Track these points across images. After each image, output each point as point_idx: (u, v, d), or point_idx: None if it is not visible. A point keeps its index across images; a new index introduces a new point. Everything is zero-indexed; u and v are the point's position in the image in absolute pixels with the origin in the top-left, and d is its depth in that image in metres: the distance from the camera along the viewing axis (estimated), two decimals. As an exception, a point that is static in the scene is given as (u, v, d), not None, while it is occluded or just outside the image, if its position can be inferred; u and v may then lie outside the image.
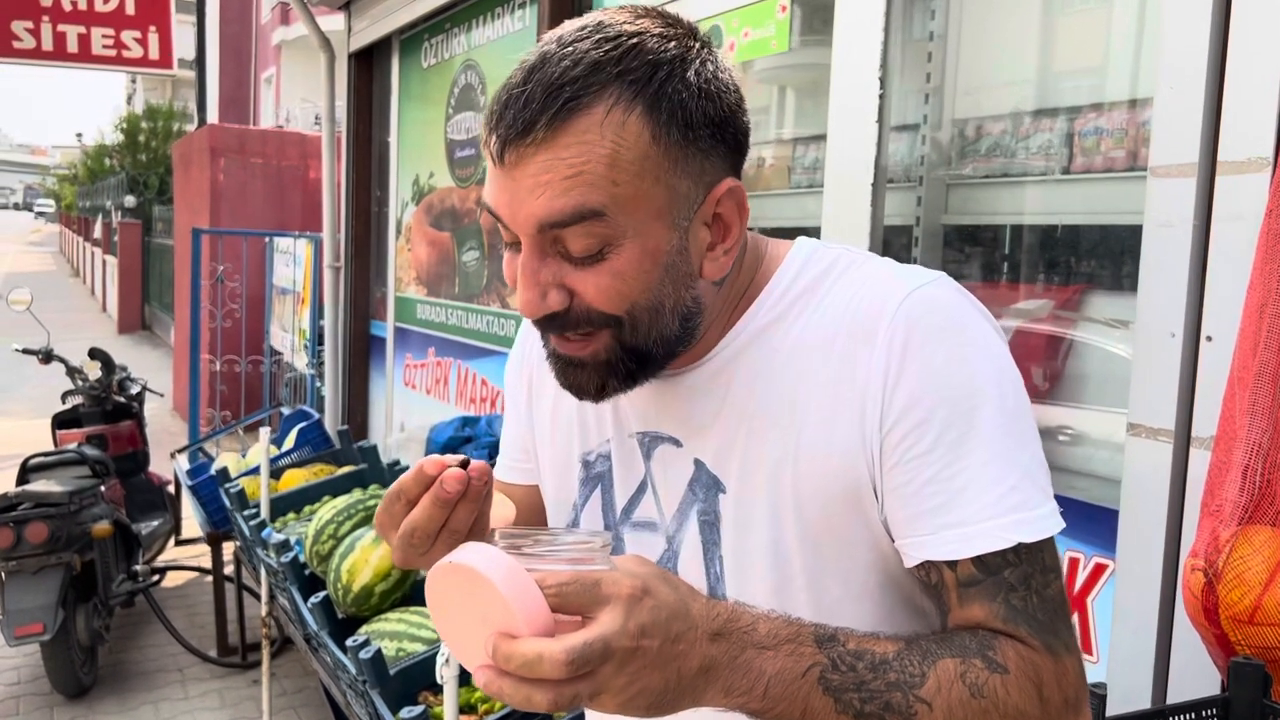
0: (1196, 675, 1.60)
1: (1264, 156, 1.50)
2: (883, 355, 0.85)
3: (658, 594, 0.71)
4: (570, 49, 0.82)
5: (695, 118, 0.84)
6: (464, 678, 1.95)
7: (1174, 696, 1.64)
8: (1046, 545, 0.84)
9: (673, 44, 0.84)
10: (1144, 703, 1.67)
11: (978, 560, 0.82)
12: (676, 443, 0.97)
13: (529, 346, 1.12)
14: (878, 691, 0.76)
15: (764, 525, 0.90)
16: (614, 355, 0.88)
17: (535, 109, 0.80)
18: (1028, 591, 0.82)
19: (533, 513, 1.14)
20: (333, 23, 5.96)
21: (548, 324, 0.88)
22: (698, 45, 0.86)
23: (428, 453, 4.14)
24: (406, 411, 5.53)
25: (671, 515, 0.98)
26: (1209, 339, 1.58)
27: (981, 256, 2.37)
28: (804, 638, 0.77)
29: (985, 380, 0.84)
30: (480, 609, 0.68)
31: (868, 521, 0.88)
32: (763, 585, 0.90)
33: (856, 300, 0.89)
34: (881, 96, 2.31)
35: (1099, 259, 2.12)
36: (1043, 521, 0.83)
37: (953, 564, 0.83)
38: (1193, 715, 1.36)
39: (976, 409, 0.83)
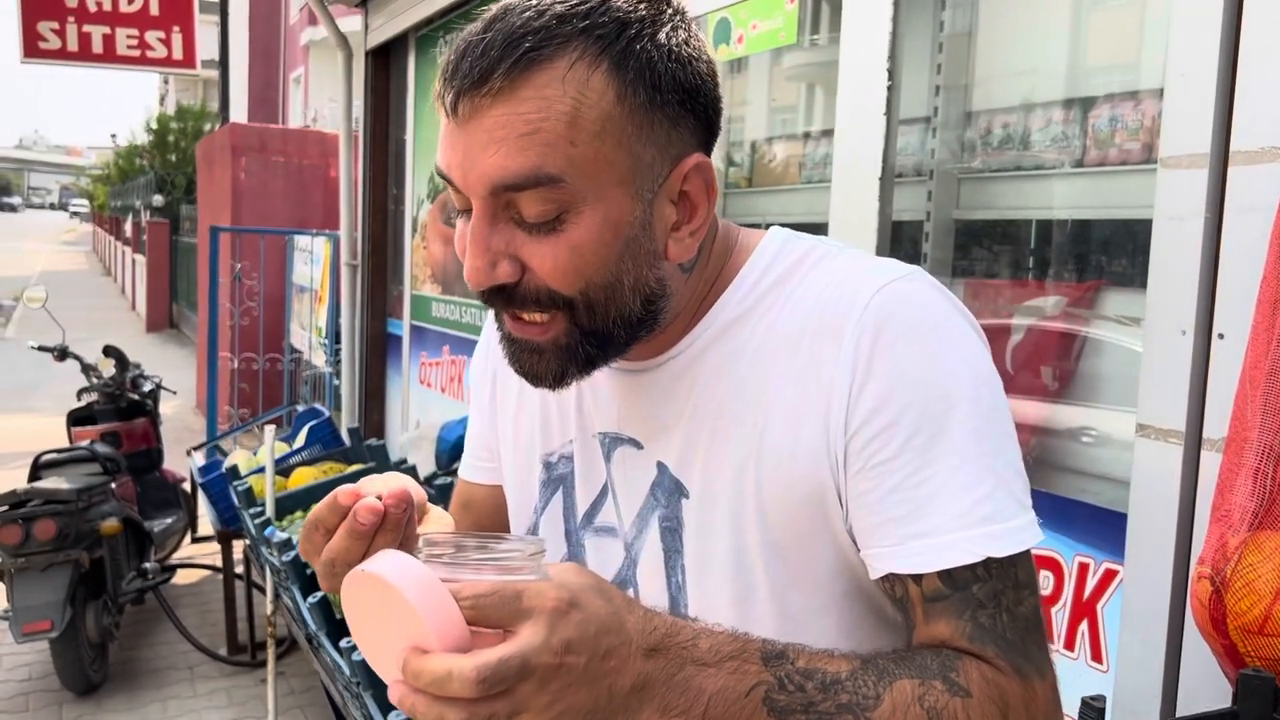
0: (1207, 686, 1.54)
1: (1278, 146, 1.44)
2: (850, 353, 0.80)
3: (587, 606, 0.67)
4: (535, 1, 0.78)
5: (664, 81, 0.79)
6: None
7: (1184, 708, 1.57)
8: (1021, 560, 0.78)
9: (644, 5, 0.80)
10: (1152, 715, 1.60)
11: (944, 574, 0.77)
12: (637, 444, 0.92)
13: (493, 340, 1.07)
14: (827, 713, 0.71)
15: (726, 532, 0.85)
16: (572, 339, 0.83)
17: (493, 58, 0.76)
18: (997, 609, 0.77)
19: (496, 514, 1.09)
20: (351, 23, 5.96)
21: (495, 297, 0.83)
22: (670, 10, 0.81)
23: (439, 452, 4.11)
24: (422, 410, 5.51)
25: (631, 521, 0.92)
26: (1221, 336, 1.52)
27: (993, 252, 2.31)
28: (749, 654, 0.72)
29: (958, 381, 0.79)
30: (393, 621, 0.64)
31: (833, 529, 0.82)
32: (724, 595, 0.85)
33: (826, 294, 0.84)
34: (890, 89, 2.26)
35: (1114, 254, 2.06)
36: (1017, 534, 0.77)
37: (918, 577, 0.78)
38: (1199, 730, 1.30)
39: (947, 412, 0.78)
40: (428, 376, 5.47)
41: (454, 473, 3.89)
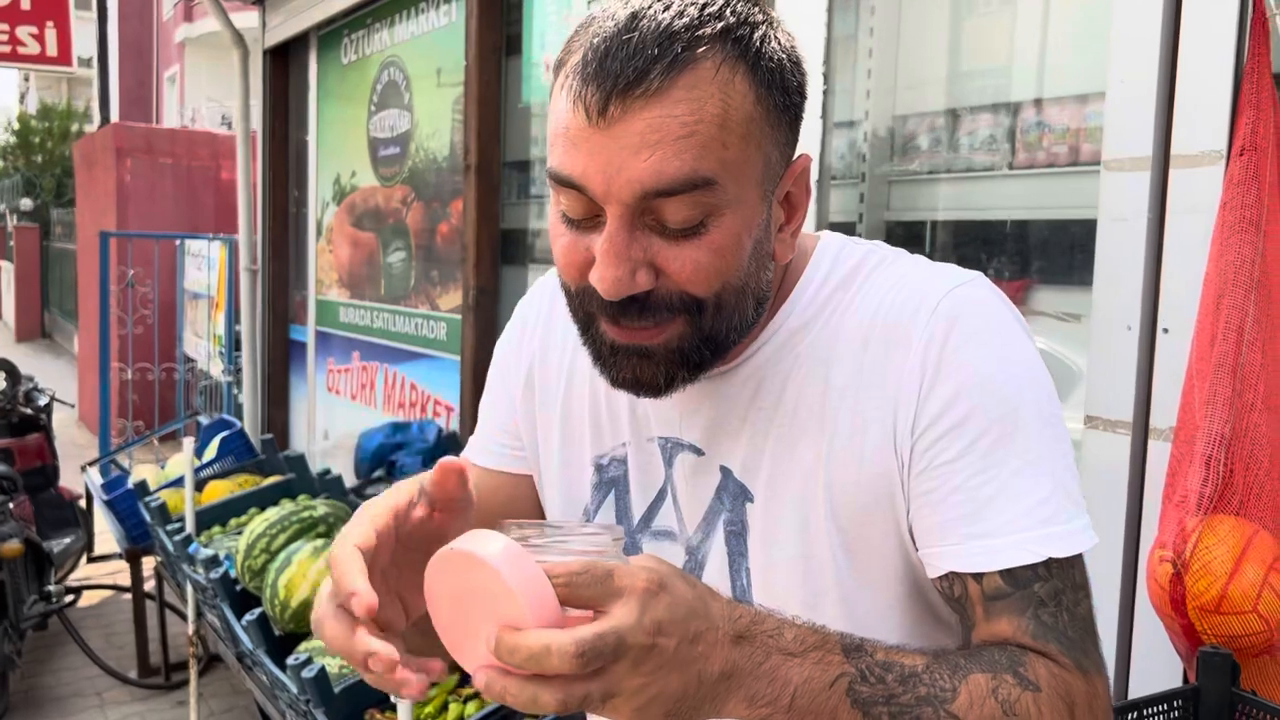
0: (1159, 666, 1.61)
1: (1217, 150, 1.52)
2: (919, 356, 0.81)
3: (674, 590, 0.66)
4: (662, 1, 0.75)
5: (789, 82, 0.79)
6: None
7: (1136, 689, 1.65)
8: (1077, 561, 0.80)
9: (756, 8, 0.79)
10: (1106, 694, 1.67)
11: (1006, 573, 0.78)
12: (698, 451, 0.92)
13: (528, 338, 1.04)
14: (908, 705, 0.72)
15: (795, 536, 0.86)
16: (688, 343, 0.81)
17: (648, 57, 0.73)
18: (1058, 608, 0.78)
19: (510, 505, 1.05)
20: (246, 19, 5.78)
21: (624, 308, 0.79)
22: (772, 13, 0.82)
23: (359, 461, 4.02)
24: (330, 418, 5.38)
25: (696, 526, 0.92)
26: (1165, 331, 1.59)
27: (922, 253, 2.37)
28: (831, 645, 0.72)
29: (1022, 386, 0.81)
30: (483, 601, 0.62)
31: (899, 530, 0.84)
32: (794, 598, 0.86)
33: (890, 298, 0.85)
34: (825, 93, 2.30)
35: (1045, 253, 2.14)
36: (1075, 536, 0.79)
37: (978, 576, 0.79)
38: (1164, 707, 1.36)
39: (1011, 415, 0.80)
40: (336, 384, 5.34)
41: (377, 482, 3.82)
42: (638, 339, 0.81)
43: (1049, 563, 0.78)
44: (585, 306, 0.83)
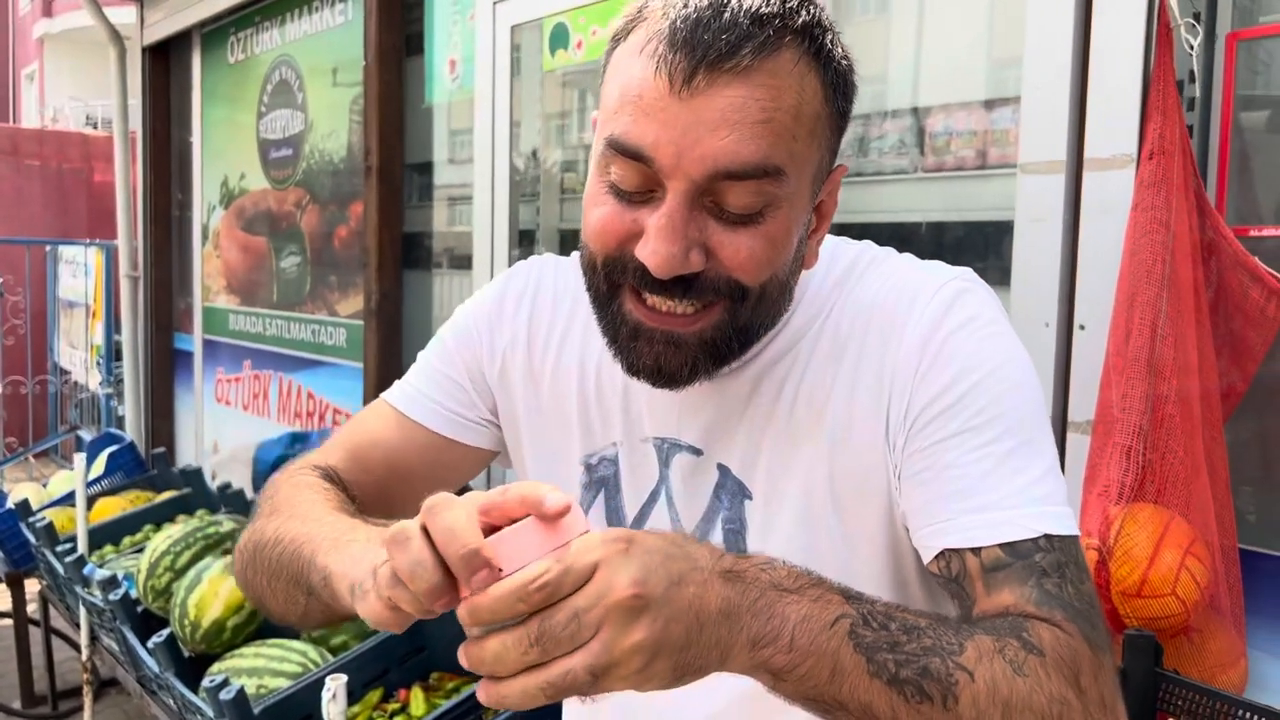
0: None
1: (1128, 154, 1.59)
2: (913, 346, 0.83)
3: (643, 541, 0.64)
4: None
5: (849, 90, 0.80)
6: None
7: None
8: (1076, 544, 0.80)
9: (821, 9, 0.80)
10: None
11: (1005, 545, 0.77)
12: (696, 451, 0.91)
13: (511, 311, 1.01)
14: (914, 655, 0.67)
15: (795, 531, 0.87)
16: (722, 333, 0.80)
17: (743, 32, 0.72)
18: (1062, 579, 0.76)
19: (434, 470, 1.00)
20: (123, 14, 5.54)
21: (668, 286, 0.77)
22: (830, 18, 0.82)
23: (256, 474, 3.90)
24: (220, 430, 5.20)
25: (694, 526, 0.92)
26: (1082, 328, 1.66)
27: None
28: (829, 585, 0.69)
29: (1013, 373, 0.83)
30: None
31: (894, 519, 0.85)
32: None
33: (885, 294, 0.87)
34: (740, 96, 2.33)
35: (956, 255, 2.20)
36: (1068, 519, 0.80)
37: (976, 551, 0.78)
38: (1094, 689, 1.41)
39: (1004, 399, 0.81)
40: (226, 394, 5.17)
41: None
42: (670, 324, 0.79)
43: (1049, 537, 0.77)
44: (613, 278, 0.80)
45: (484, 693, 0.63)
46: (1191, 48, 1.54)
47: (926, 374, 0.82)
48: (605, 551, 0.62)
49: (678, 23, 0.74)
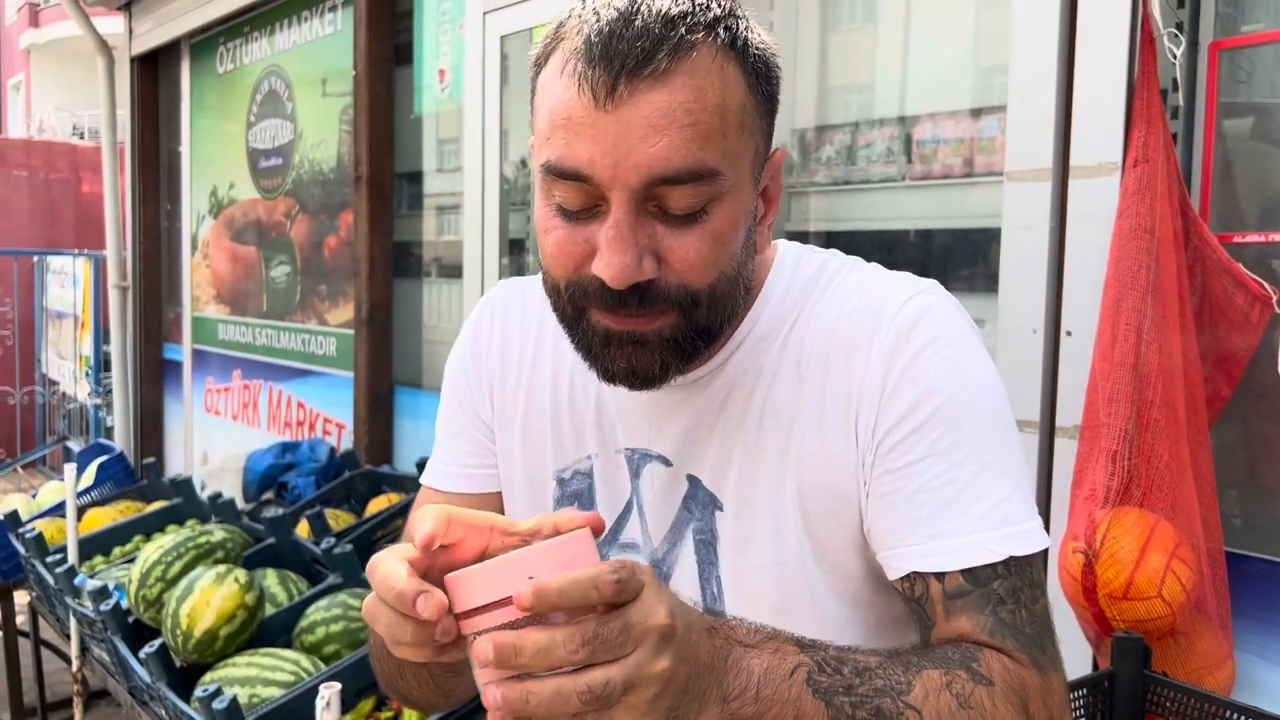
0: (1067, 655, 1.68)
1: (1113, 161, 1.61)
2: (879, 361, 0.83)
3: (664, 585, 0.67)
4: None
5: (772, 74, 0.81)
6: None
7: (1049, 674, 1.72)
8: (1035, 561, 0.82)
9: (736, 3, 0.81)
10: (1020, 682, 1.75)
11: (967, 572, 0.80)
12: (666, 461, 0.92)
13: (485, 352, 1.02)
14: (867, 696, 0.72)
15: (766, 543, 0.87)
16: (681, 334, 0.81)
17: (654, 38, 0.74)
18: (1016, 605, 0.79)
19: None
20: (111, 24, 5.54)
21: (628, 297, 0.78)
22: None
23: (247, 483, 3.89)
24: (210, 440, 5.19)
25: (662, 536, 0.93)
26: (1069, 334, 1.68)
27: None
28: (784, 638, 0.73)
29: (978, 390, 0.83)
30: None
31: (863, 533, 0.86)
32: (766, 604, 0.87)
33: (852, 305, 0.87)
34: (729, 105, 2.34)
35: (945, 262, 2.22)
36: (1032, 535, 0.81)
37: (940, 576, 0.80)
38: (1083, 691, 1.43)
39: (970, 419, 0.82)
40: (215, 404, 5.16)
41: (267, 504, 3.69)
42: (633, 324, 0.80)
43: (1009, 561, 0.80)
44: (577, 300, 0.81)
45: (502, 692, 0.61)
46: (1174, 57, 1.56)
47: (892, 395, 0.83)
48: (648, 577, 0.64)
49: (592, 38, 0.75)
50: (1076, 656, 1.66)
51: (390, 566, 0.65)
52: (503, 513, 1.03)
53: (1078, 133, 1.65)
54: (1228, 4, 1.63)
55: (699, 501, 0.91)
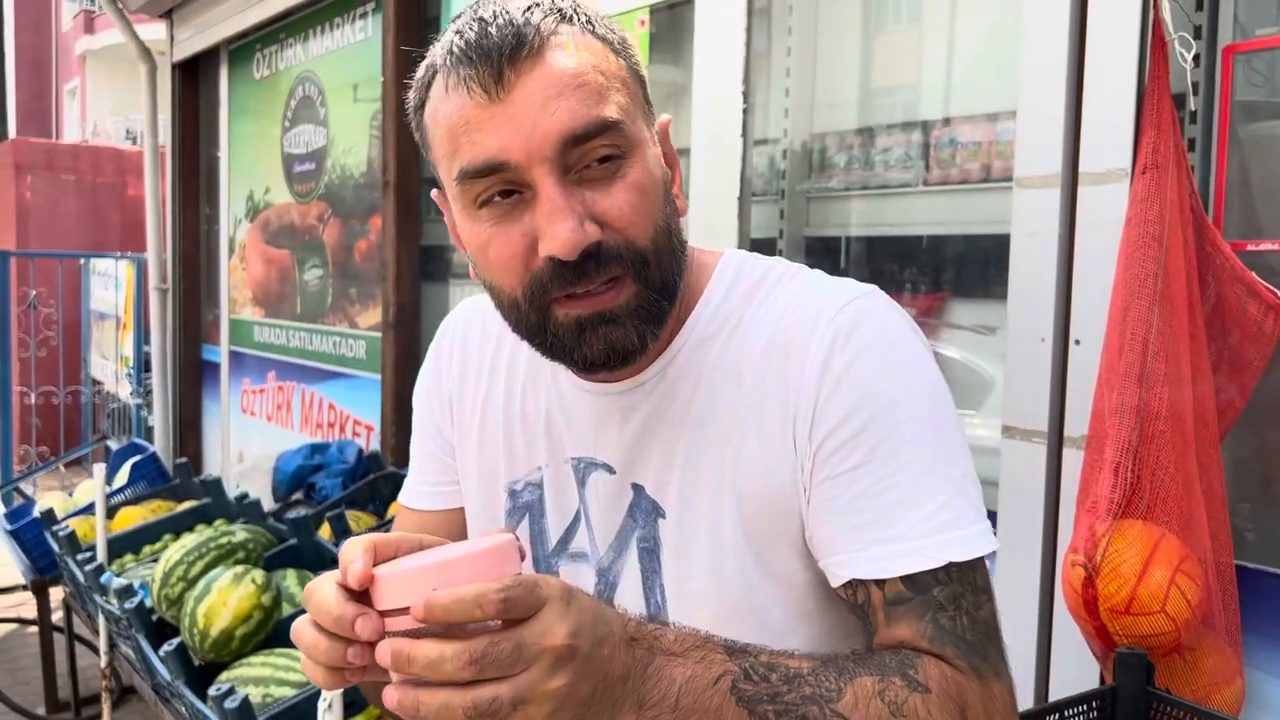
0: (1076, 671, 1.66)
1: (1122, 168, 1.58)
2: (816, 367, 0.83)
3: (581, 597, 0.68)
4: (500, 6, 0.82)
5: (629, 47, 0.86)
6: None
7: (1056, 691, 1.70)
8: (978, 565, 0.81)
9: (576, 5, 0.86)
10: (1025, 700, 1.72)
11: (907, 579, 0.79)
12: (609, 469, 0.92)
13: (445, 371, 1.05)
14: (793, 704, 0.72)
15: (706, 550, 0.87)
16: (644, 299, 0.83)
17: (518, 29, 0.78)
18: (957, 611, 0.79)
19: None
20: (153, 31, 5.65)
21: (586, 264, 0.79)
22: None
23: (276, 483, 3.94)
24: (245, 440, 5.27)
25: (608, 545, 0.93)
26: (1077, 343, 1.65)
27: (840, 268, 2.42)
28: (713, 646, 0.74)
29: (917, 394, 0.83)
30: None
31: (804, 539, 0.85)
32: (705, 612, 0.86)
33: (790, 311, 0.87)
34: (745, 111, 2.34)
35: (958, 268, 2.20)
36: (975, 540, 0.80)
37: (880, 582, 0.80)
38: (1084, 708, 1.40)
39: (909, 423, 0.81)
40: (251, 405, 5.23)
41: (295, 505, 3.74)
42: (599, 304, 0.81)
43: (949, 567, 0.79)
44: (538, 299, 0.82)
45: (397, 694, 0.65)
46: (1186, 61, 1.53)
47: (829, 400, 0.82)
48: (552, 595, 0.66)
49: (464, 47, 0.79)
50: (1084, 670, 1.63)
51: (327, 591, 0.68)
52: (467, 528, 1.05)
53: (1087, 139, 1.62)
54: (1248, 6, 1.60)
55: (643, 509, 0.91)
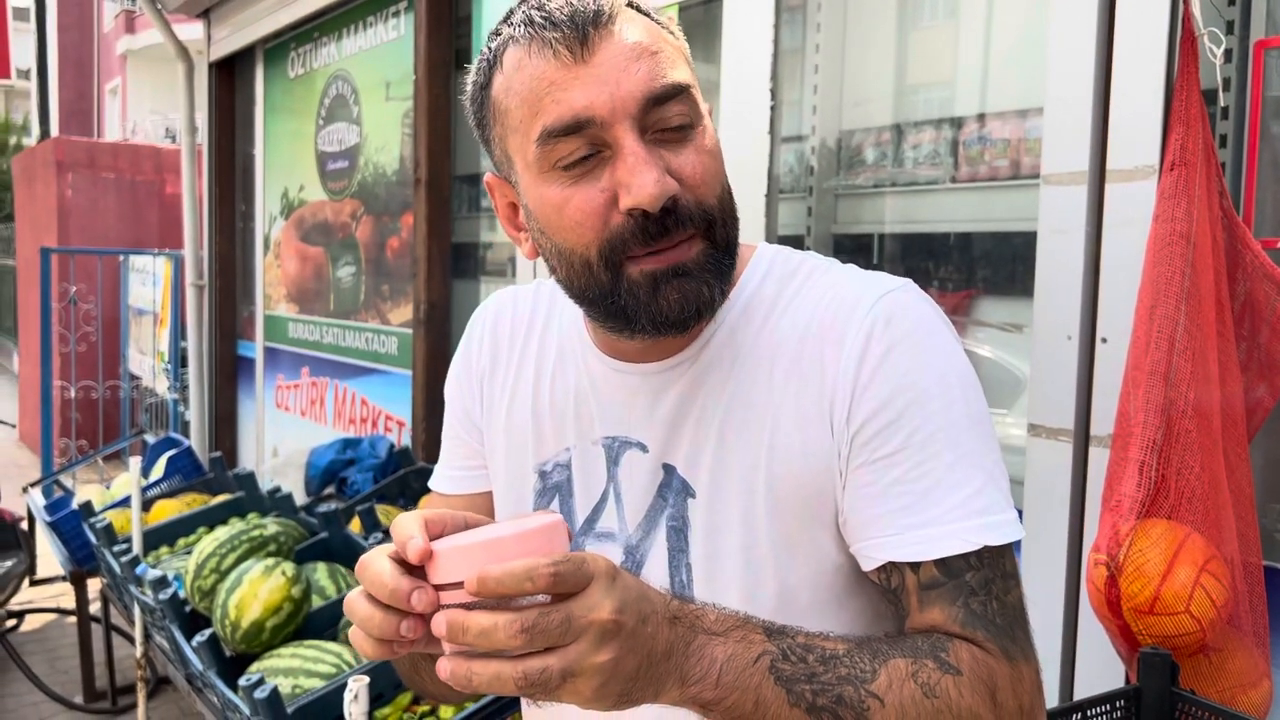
0: (1103, 667, 1.65)
1: (1150, 165, 1.57)
2: (853, 356, 0.85)
3: (625, 575, 0.71)
4: None
5: (677, 31, 0.90)
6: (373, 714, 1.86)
7: (1081, 689, 1.69)
8: (1008, 551, 0.84)
9: None
10: (1050, 699, 1.71)
11: (940, 563, 0.81)
12: (643, 448, 0.94)
13: (476, 357, 1.07)
14: (829, 684, 0.75)
15: (736, 531, 0.89)
16: (712, 256, 0.86)
17: (590, 3, 0.83)
18: (988, 596, 0.81)
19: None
20: (190, 31, 5.72)
21: (666, 218, 0.82)
22: None
23: (309, 478, 3.99)
24: (280, 435, 5.33)
25: (636, 524, 0.94)
26: (1104, 341, 1.64)
27: (869, 264, 2.41)
28: (752, 626, 0.76)
29: (952, 384, 0.85)
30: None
31: (835, 523, 0.87)
32: (733, 592, 0.88)
33: (827, 302, 0.89)
34: (773, 108, 2.34)
35: (986, 265, 2.18)
36: (1007, 526, 0.83)
37: (915, 566, 0.82)
38: (1107, 707, 1.40)
39: (944, 411, 0.83)
40: (285, 400, 5.29)
41: (327, 499, 3.78)
42: (673, 258, 0.84)
43: (982, 552, 0.82)
44: (613, 257, 0.84)
45: (451, 665, 0.67)
46: (1215, 56, 1.51)
47: (867, 388, 0.84)
48: (599, 571, 0.68)
49: (546, 15, 0.83)
50: (1109, 670, 1.62)
51: (381, 565, 0.70)
52: (494, 510, 1.07)
53: (1115, 135, 1.61)
54: (1281, 1, 1.58)
55: (673, 489, 0.92)
